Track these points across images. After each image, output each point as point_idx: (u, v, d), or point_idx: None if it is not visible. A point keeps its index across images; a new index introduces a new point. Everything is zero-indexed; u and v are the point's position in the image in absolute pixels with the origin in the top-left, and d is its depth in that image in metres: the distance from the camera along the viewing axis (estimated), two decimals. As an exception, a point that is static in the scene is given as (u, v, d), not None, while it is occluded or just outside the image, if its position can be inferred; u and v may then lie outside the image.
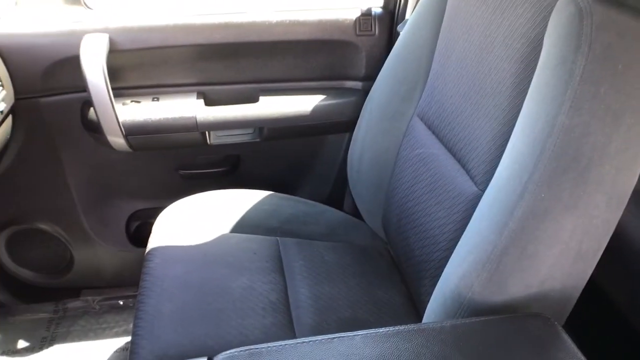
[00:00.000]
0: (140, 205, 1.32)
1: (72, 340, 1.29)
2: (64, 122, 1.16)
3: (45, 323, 1.34)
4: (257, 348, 0.53)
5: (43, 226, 1.28)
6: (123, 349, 1.28)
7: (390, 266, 1.06)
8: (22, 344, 1.29)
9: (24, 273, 1.34)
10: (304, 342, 0.53)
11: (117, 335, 1.31)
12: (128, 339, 1.29)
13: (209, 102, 1.18)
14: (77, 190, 1.26)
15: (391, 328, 0.55)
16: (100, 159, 1.24)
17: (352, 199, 1.17)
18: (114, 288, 1.41)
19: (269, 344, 0.53)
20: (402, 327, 0.56)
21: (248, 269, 0.95)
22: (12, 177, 1.20)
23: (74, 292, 1.40)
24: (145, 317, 0.84)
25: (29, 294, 1.37)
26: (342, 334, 0.54)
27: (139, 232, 1.36)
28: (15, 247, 1.31)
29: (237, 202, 1.12)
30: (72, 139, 1.20)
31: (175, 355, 0.77)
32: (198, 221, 1.06)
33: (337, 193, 1.40)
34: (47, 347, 1.28)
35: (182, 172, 1.29)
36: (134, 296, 1.38)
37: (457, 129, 0.81)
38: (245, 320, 0.85)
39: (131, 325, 1.27)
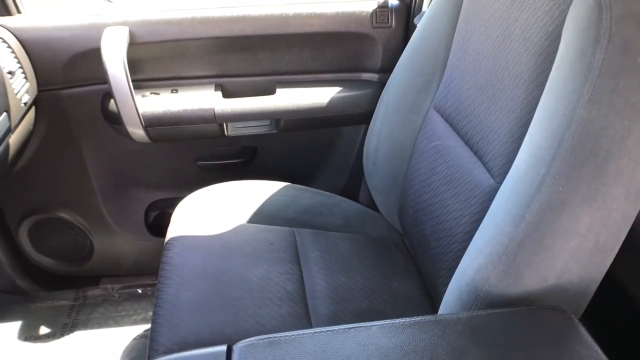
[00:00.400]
0: (158, 195, 1.35)
1: (92, 327, 1.32)
2: (85, 113, 1.19)
3: (66, 310, 1.37)
4: (276, 337, 0.54)
5: (64, 215, 1.31)
6: (142, 337, 1.30)
7: (406, 258, 1.06)
8: (43, 330, 1.32)
9: (46, 261, 1.37)
10: (321, 331, 0.54)
11: (136, 322, 1.34)
12: (147, 326, 1.32)
13: (227, 94, 1.19)
14: (97, 180, 1.28)
15: (407, 319, 0.56)
16: (120, 150, 1.26)
17: (368, 190, 1.17)
18: (133, 277, 1.43)
19: (287, 333, 0.54)
20: (418, 318, 0.56)
21: (265, 259, 0.97)
22: (34, 167, 1.22)
23: (94, 280, 1.43)
24: (165, 305, 0.86)
25: (51, 282, 1.40)
26: (359, 324, 0.55)
27: (158, 222, 1.39)
28: (37, 235, 1.34)
29: (254, 193, 1.13)
30: (93, 130, 1.22)
31: (194, 343, 0.78)
32: (216, 211, 1.07)
33: (353, 185, 1.41)
34: (68, 334, 1.31)
35: (200, 163, 1.31)
36: (153, 285, 1.41)
37: (474, 121, 0.81)
38: (262, 310, 0.86)
39: (150, 313, 1.30)
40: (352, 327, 0.54)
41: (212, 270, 0.93)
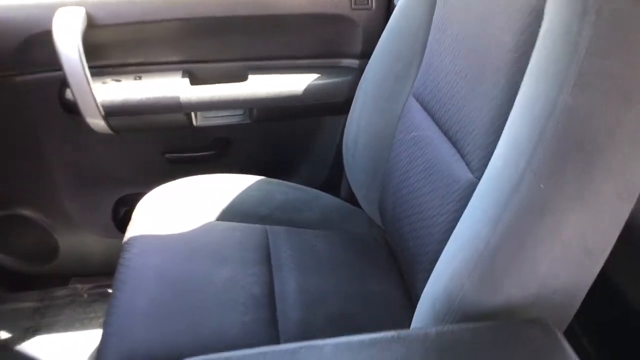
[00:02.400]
0: (127, 190, 1.27)
1: (58, 330, 1.26)
2: (42, 102, 1.11)
3: (30, 312, 1.30)
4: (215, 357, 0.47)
5: (25, 212, 1.23)
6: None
7: (387, 256, 0.99)
8: (4, 334, 1.25)
9: (7, 260, 1.30)
10: (265, 352, 0.47)
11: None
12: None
13: (195, 81, 1.11)
14: (60, 175, 1.21)
15: (366, 336, 0.49)
16: (82, 142, 1.18)
17: (349, 184, 1.10)
18: (104, 276, 1.36)
19: (226, 354, 0.47)
20: (379, 335, 0.49)
21: (232, 260, 0.89)
22: None
23: (62, 280, 1.36)
24: (117, 312, 0.79)
25: (14, 283, 1.33)
26: (310, 343, 0.48)
27: (127, 218, 1.31)
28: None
29: (225, 188, 1.06)
30: (52, 120, 1.14)
31: (144, 356, 0.71)
32: (181, 208, 1.00)
33: (334, 178, 1.33)
34: (30, 338, 1.24)
35: (168, 155, 1.23)
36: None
37: (452, 109, 0.73)
38: (225, 317, 0.79)
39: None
40: (302, 347, 0.47)
41: (172, 274, 0.85)
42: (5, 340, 1.24)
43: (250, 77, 1.13)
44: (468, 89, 0.70)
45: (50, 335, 1.25)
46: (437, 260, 0.66)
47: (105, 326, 0.77)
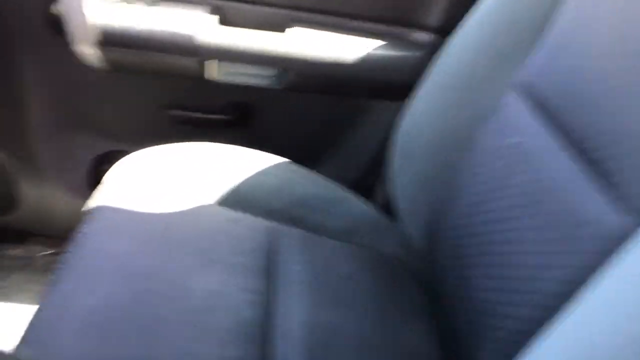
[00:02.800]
0: (112, 145, 1.02)
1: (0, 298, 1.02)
2: (25, 14, 0.86)
3: (-28, 271, 1.07)
4: None
5: (-18, 147, 0.99)
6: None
7: (424, 295, 0.75)
8: None
9: None
10: None
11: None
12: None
13: (225, 23, 0.86)
14: (37, 110, 0.96)
15: None
16: (70, 76, 0.94)
17: (387, 189, 0.85)
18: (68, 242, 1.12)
19: None
20: None
21: (222, 264, 0.65)
22: None
23: (18, 238, 1.12)
24: (46, 312, 0.54)
25: None
26: None
27: None
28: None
29: (232, 164, 0.81)
30: (36, 41, 0.90)
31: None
32: (170, 179, 0.75)
33: (369, 179, 1.08)
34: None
35: (173, 112, 0.98)
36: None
37: (597, 114, 0.48)
38: (196, 347, 0.54)
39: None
40: None
41: (137, 268, 0.61)
42: None
43: (290, 30, 0.87)
44: (632, 81, 0.44)
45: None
46: (523, 342, 0.42)
47: (26, 331, 0.53)
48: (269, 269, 0.67)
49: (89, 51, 0.83)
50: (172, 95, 0.97)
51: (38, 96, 0.96)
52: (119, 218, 0.68)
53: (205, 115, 0.98)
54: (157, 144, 0.83)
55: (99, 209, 0.68)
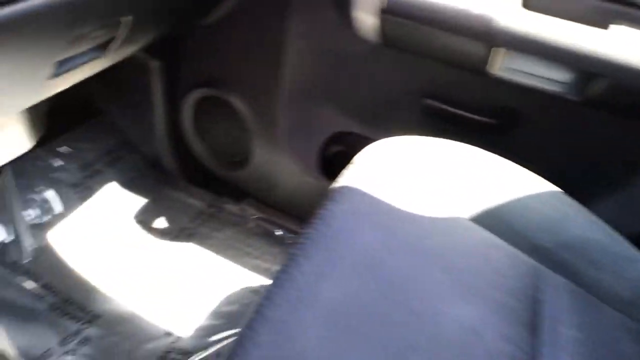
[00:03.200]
0: (348, 126, 0.95)
1: (209, 246, 1.03)
2: None
3: (194, 213, 1.10)
4: None
5: (235, 101, 0.99)
6: (255, 291, 0.97)
7: None
8: (161, 223, 1.08)
9: (198, 148, 1.09)
10: None
11: (255, 269, 1.00)
12: (263, 280, 0.98)
13: (529, 7, 0.71)
14: (291, 76, 0.93)
15: None
16: (336, 44, 0.88)
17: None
18: (280, 212, 1.09)
19: None
20: None
21: (481, 296, 0.52)
22: (220, 30, 0.92)
23: (237, 195, 1.12)
24: (281, 301, 0.47)
25: (195, 176, 1.15)
26: None
27: (337, 161, 1.00)
28: (199, 115, 1.06)
29: (494, 177, 0.67)
30: (312, 6, 0.86)
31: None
32: (423, 178, 0.64)
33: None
34: (182, 240, 1.05)
35: (428, 101, 0.87)
36: (296, 233, 1.05)
37: None
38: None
39: (274, 268, 0.96)
40: None
41: (386, 271, 0.52)
42: (163, 230, 1.06)
43: (616, 27, 0.68)
44: None
45: (200, 248, 1.03)
46: None
47: (256, 316, 0.46)
48: (534, 321, 0.52)
49: (367, 18, 0.75)
50: (432, 82, 0.86)
51: (297, 61, 0.92)
52: (366, 206, 0.59)
53: (462, 112, 0.85)
54: (401, 134, 0.73)
55: (347, 190, 0.60)
